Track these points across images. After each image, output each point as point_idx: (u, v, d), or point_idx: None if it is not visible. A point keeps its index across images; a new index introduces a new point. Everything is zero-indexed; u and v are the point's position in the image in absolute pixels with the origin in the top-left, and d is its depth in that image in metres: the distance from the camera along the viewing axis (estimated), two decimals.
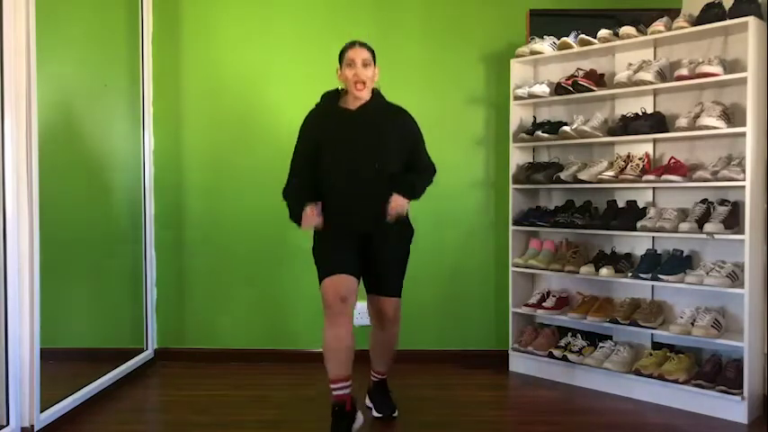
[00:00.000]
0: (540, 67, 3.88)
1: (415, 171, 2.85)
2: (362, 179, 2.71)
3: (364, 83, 2.70)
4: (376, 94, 2.82)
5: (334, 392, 2.67)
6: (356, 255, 2.77)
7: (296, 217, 2.71)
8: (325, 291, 2.69)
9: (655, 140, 3.41)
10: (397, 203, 2.71)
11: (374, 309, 2.90)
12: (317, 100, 2.90)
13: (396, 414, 3.00)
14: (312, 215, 2.66)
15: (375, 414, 3.00)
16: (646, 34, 3.34)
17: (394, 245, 2.85)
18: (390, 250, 2.84)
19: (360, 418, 2.73)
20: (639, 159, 3.38)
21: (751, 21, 2.97)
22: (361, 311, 3.88)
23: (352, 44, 2.75)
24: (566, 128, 3.55)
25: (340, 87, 2.83)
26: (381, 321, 2.90)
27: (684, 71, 3.16)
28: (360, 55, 2.71)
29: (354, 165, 2.71)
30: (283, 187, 2.84)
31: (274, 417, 3.03)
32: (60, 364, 3.12)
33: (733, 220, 3.06)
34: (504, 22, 3.95)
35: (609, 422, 2.98)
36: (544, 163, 3.79)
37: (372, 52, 2.77)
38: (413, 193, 2.81)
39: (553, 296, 3.70)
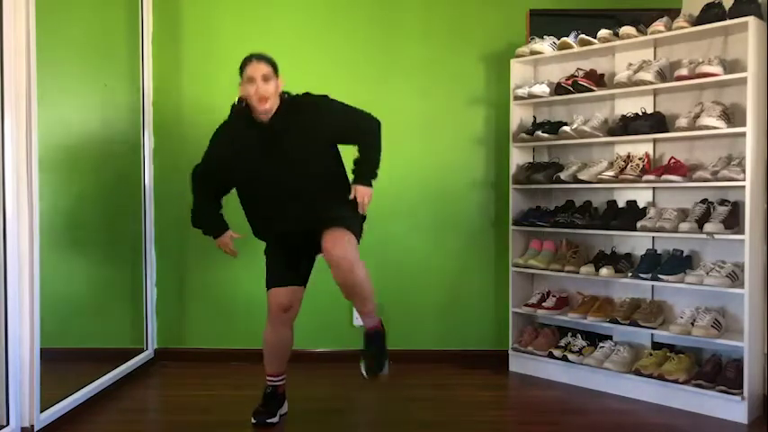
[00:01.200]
0: (540, 67, 3.88)
1: (360, 142, 2.80)
2: (292, 188, 2.73)
3: (267, 98, 2.67)
4: (284, 100, 2.76)
5: (270, 383, 2.96)
6: (298, 261, 2.89)
7: (210, 231, 3.00)
8: (269, 300, 2.88)
9: (655, 140, 3.41)
10: (363, 194, 2.73)
11: (326, 258, 2.62)
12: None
13: (385, 371, 2.73)
14: (228, 245, 2.97)
15: (364, 374, 2.72)
16: (646, 34, 3.34)
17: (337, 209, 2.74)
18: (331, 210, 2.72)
19: (286, 406, 3.01)
20: (639, 159, 3.38)
21: (751, 21, 2.97)
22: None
23: (249, 59, 2.72)
24: (566, 128, 3.55)
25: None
26: (333, 267, 2.59)
27: (684, 71, 3.16)
28: (259, 70, 2.68)
29: (280, 177, 2.72)
30: (191, 212, 2.98)
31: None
32: (60, 364, 3.12)
33: (733, 220, 3.06)
34: (504, 22, 3.95)
35: (609, 422, 2.98)
36: (544, 163, 3.79)
37: (273, 64, 2.74)
38: (371, 176, 2.79)
39: (553, 296, 3.70)
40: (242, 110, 2.78)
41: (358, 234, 2.75)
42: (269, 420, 2.89)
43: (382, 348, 2.76)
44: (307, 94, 2.81)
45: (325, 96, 2.81)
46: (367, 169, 2.81)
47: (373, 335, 2.75)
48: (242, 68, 2.74)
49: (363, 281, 2.65)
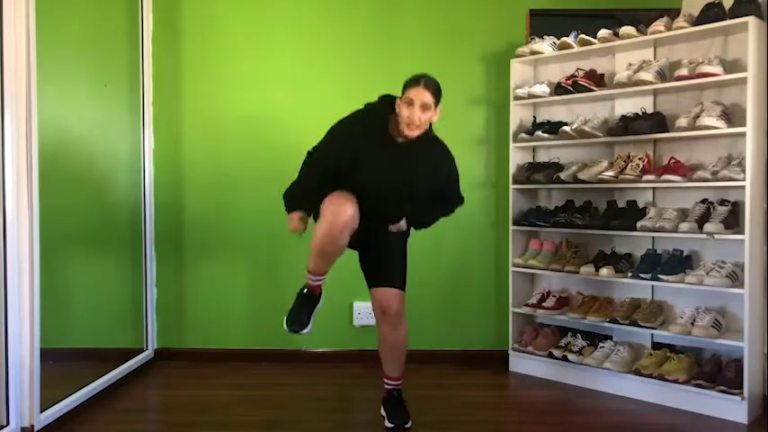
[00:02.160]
0: (540, 67, 3.88)
1: (441, 200, 2.87)
2: (383, 206, 2.73)
3: (418, 127, 2.59)
4: (427, 130, 2.71)
5: (311, 282, 2.77)
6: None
7: (288, 208, 2.75)
8: (330, 201, 2.60)
9: (655, 140, 3.41)
10: (399, 227, 2.82)
11: (377, 303, 2.82)
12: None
13: (409, 425, 2.85)
14: (298, 223, 2.71)
15: (387, 424, 2.86)
16: (646, 34, 3.34)
17: (392, 241, 2.85)
18: (389, 244, 2.83)
19: (321, 302, 2.84)
20: (639, 159, 3.38)
21: (751, 21, 2.97)
22: (361, 312, 3.91)
23: (417, 81, 2.59)
24: (566, 128, 3.55)
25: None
26: (385, 316, 2.80)
27: (684, 71, 3.16)
28: (421, 97, 2.56)
29: (380, 193, 2.69)
30: (288, 188, 2.78)
31: (274, 417, 3.03)
32: (60, 364, 3.12)
33: (733, 220, 3.06)
34: (504, 22, 3.95)
35: (609, 422, 2.98)
36: (544, 163, 3.79)
37: (437, 94, 2.62)
38: (420, 228, 2.91)
39: (553, 296, 3.70)
40: (386, 109, 2.67)
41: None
42: (303, 331, 2.75)
43: (404, 406, 2.92)
44: (440, 140, 2.81)
45: (449, 152, 2.83)
46: (424, 222, 2.90)
47: (397, 396, 2.92)
48: (407, 86, 2.62)
49: (405, 343, 2.89)
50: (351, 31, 3.96)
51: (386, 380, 2.93)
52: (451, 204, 2.93)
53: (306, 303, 2.79)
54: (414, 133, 2.60)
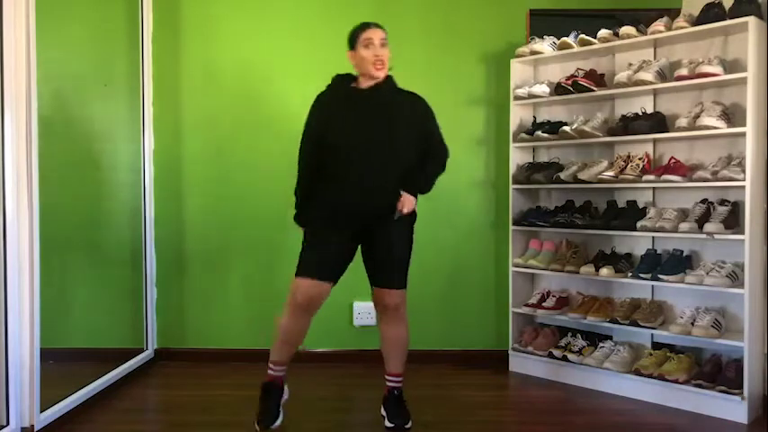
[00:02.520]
0: (540, 67, 3.88)
1: (428, 157, 2.82)
2: (373, 163, 2.67)
3: (384, 63, 2.68)
4: (389, 77, 2.77)
5: (272, 373, 2.83)
6: (345, 252, 2.77)
7: (302, 221, 2.81)
8: (296, 289, 2.72)
9: (655, 140, 3.41)
10: (407, 202, 2.74)
11: (379, 302, 2.82)
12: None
13: (409, 425, 2.83)
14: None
15: (387, 424, 2.84)
16: (646, 34, 3.34)
17: (397, 233, 2.78)
18: (394, 239, 2.78)
19: (287, 391, 2.90)
20: (639, 159, 3.38)
21: (751, 21, 2.97)
22: (361, 312, 3.91)
23: (367, 24, 2.73)
24: (566, 128, 3.55)
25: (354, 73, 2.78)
26: (386, 315, 2.83)
27: (684, 71, 3.16)
28: (378, 35, 2.69)
29: (366, 146, 2.67)
30: (297, 183, 2.83)
31: None
32: (60, 364, 3.12)
33: (733, 220, 3.06)
34: (504, 22, 3.95)
35: (609, 422, 2.98)
36: (544, 163, 3.79)
37: (386, 34, 2.75)
38: (423, 190, 2.83)
39: (553, 296, 3.70)
40: (342, 79, 2.78)
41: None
42: (275, 424, 2.78)
43: (404, 405, 2.90)
44: (410, 91, 2.84)
45: (423, 100, 2.84)
46: (423, 182, 2.82)
47: (398, 394, 2.89)
48: (357, 33, 2.72)
49: (407, 339, 2.88)
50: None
51: (387, 377, 2.91)
52: (440, 156, 2.86)
53: (270, 397, 2.82)
54: (382, 73, 2.69)
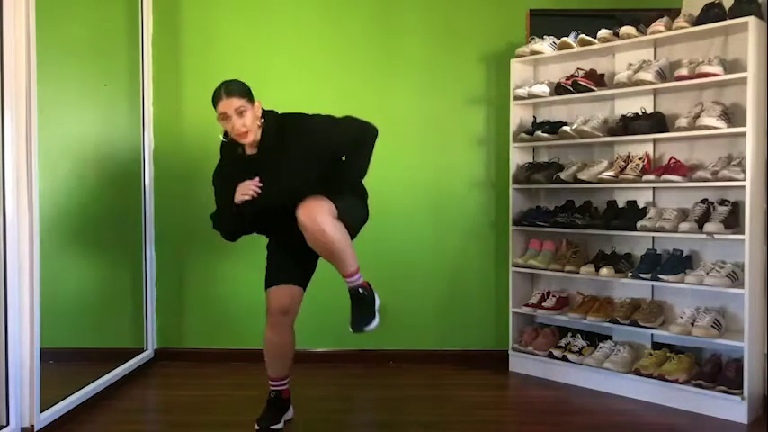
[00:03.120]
0: (540, 67, 3.88)
1: (353, 150, 2.67)
2: (290, 210, 2.55)
3: (246, 132, 2.57)
4: (268, 123, 2.64)
5: (274, 388, 2.86)
6: (301, 262, 2.81)
7: (226, 215, 2.73)
8: (268, 300, 2.79)
9: (655, 140, 3.41)
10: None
11: (299, 223, 2.55)
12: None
13: (372, 326, 2.69)
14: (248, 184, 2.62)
15: (350, 329, 2.71)
16: (646, 34, 3.34)
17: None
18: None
19: (291, 411, 2.93)
20: (639, 159, 3.38)
21: (751, 21, 2.97)
22: None
23: (219, 95, 2.58)
24: (566, 128, 3.55)
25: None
26: (304, 231, 2.53)
27: (684, 71, 3.16)
28: (230, 106, 2.55)
29: (277, 202, 2.62)
30: (212, 217, 2.81)
31: None
32: (60, 364, 3.12)
33: (733, 220, 3.06)
34: (504, 22, 3.95)
35: (609, 422, 2.98)
36: (544, 163, 3.79)
37: (244, 93, 2.59)
38: (361, 177, 2.72)
39: (553, 296, 3.70)
40: (229, 143, 2.69)
41: (346, 212, 2.61)
42: (273, 427, 2.80)
43: (369, 306, 2.71)
44: (286, 116, 2.70)
45: (303, 115, 2.69)
46: (352, 177, 2.71)
47: (355, 293, 2.68)
48: (214, 104, 2.61)
49: (338, 240, 2.54)
50: (351, 32, 3.97)
51: (346, 278, 2.68)
52: (360, 142, 2.66)
53: (275, 408, 2.85)
54: (248, 139, 2.60)
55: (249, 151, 2.68)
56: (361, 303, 2.70)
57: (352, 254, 2.63)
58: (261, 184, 2.63)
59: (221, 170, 2.80)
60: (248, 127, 2.58)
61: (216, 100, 2.60)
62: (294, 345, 2.86)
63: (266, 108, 2.72)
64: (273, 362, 2.85)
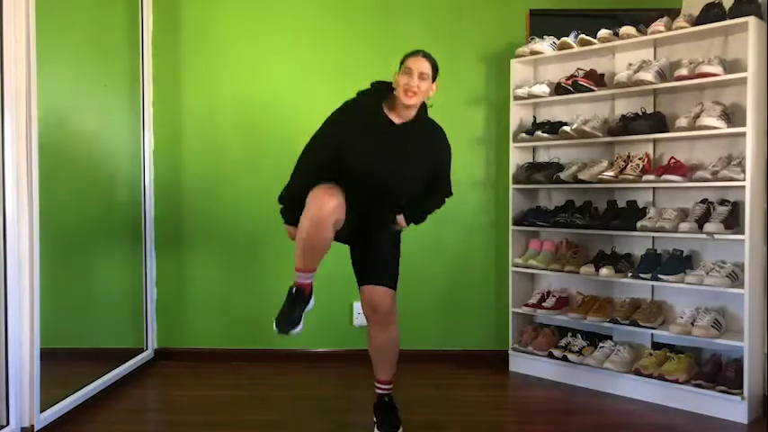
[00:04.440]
0: (540, 67, 3.88)
1: (432, 191, 2.84)
2: (379, 196, 2.66)
3: (415, 93, 2.59)
4: (422, 110, 2.70)
5: (300, 280, 2.64)
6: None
7: (293, 218, 2.62)
8: (312, 198, 2.54)
9: (655, 140, 3.41)
10: (401, 225, 2.79)
11: (368, 302, 2.76)
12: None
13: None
14: (295, 234, 2.63)
15: (376, 431, 2.81)
16: (646, 34, 3.34)
17: (386, 237, 2.82)
18: (383, 242, 2.80)
19: (312, 301, 2.71)
20: (639, 159, 3.38)
21: (751, 21, 2.97)
22: (361, 312, 3.88)
23: (416, 52, 2.65)
24: (566, 128, 3.55)
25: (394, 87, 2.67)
26: (376, 317, 2.76)
27: (684, 71, 3.16)
28: (418, 66, 2.60)
29: (378, 180, 2.63)
30: (284, 189, 2.74)
31: (274, 417, 3.03)
32: (60, 364, 3.12)
33: (733, 220, 3.06)
34: (504, 22, 3.95)
35: (609, 422, 2.99)
36: (544, 163, 3.79)
37: (435, 68, 2.66)
38: (416, 222, 2.85)
39: (553, 296, 3.70)
40: (381, 92, 2.68)
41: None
42: (293, 331, 2.60)
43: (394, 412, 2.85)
44: (438, 125, 2.81)
45: (445, 137, 2.82)
46: (420, 215, 2.85)
47: (391, 398, 2.86)
48: (405, 57, 2.65)
49: (397, 345, 2.85)
50: (351, 32, 3.97)
51: (376, 383, 2.87)
52: (442, 194, 2.90)
53: (296, 302, 2.64)
54: (411, 100, 2.60)
55: (395, 119, 2.66)
56: (392, 409, 2.85)
57: (396, 363, 2.86)
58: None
59: (343, 117, 2.69)
60: (420, 91, 2.60)
61: (411, 55, 2.65)
62: (330, 244, 2.62)
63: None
64: (307, 255, 2.60)
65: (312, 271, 2.66)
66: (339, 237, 2.66)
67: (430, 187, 2.81)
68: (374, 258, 2.78)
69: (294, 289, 2.65)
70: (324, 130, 2.72)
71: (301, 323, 2.64)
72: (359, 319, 3.92)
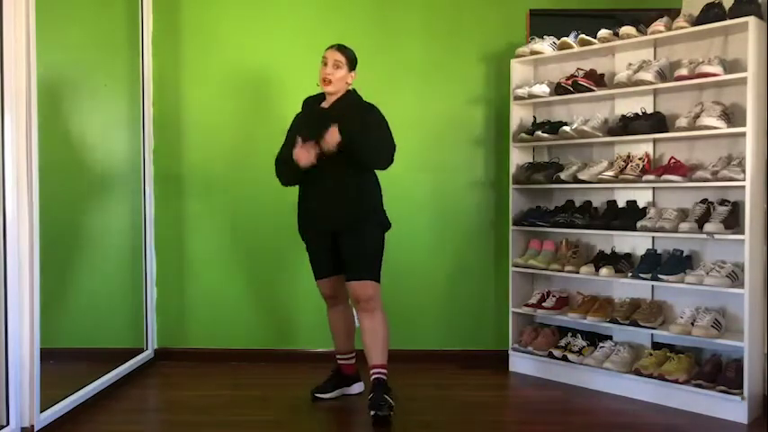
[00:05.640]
0: (540, 67, 3.88)
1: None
2: (326, 172, 2.94)
3: (330, 81, 2.98)
4: (350, 93, 3.08)
5: (339, 362, 3.28)
6: (331, 254, 3.07)
7: (290, 158, 2.94)
8: (319, 289, 3.21)
9: (655, 140, 3.41)
10: (330, 133, 2.87)
11: (352, 294, 3.05)
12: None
13: (391, 413, 2.88)
14: (304, 148, 2.89)
15: (370, 413, 2.89)
16: (646, 34, 3.34)
17: (361, 240, 3.00)
18: (358, 245, 2.99)
19: (358, 386, 3.29)
20: (639, 159, 3.38)
21: (751, 21, 2.97)
22: None
23: (332, 46, 3.05)
24: (566, 128, 3.55)
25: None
26: (359, 307, 3.04)
27: (684, 71, 3.16)
28: (332, 56, 3.01)
29: (318, 164, 2.90)
30: (275, 163, 3.11)
31: (274, 417, 3.03)
32: (60, 364, 3.12)
33: (733, 220, 3.06)
34: (504, 22, 3.95)
35: (609, 422, 2.98)
36: (544, 163, 3.79)
37: (349, 57, 3.04)
38: (352, 137, 2.89)
39: (553, 296, 3.70)
40: (312, 99, 3.14)
41: (379, 272, 3.05)
42: (317, 395, 3.21)
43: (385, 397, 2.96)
44: (372, 105, 3.09)
45: (375, 106, 3.07)
46: (361, 136, 2.91)
47: (383, 381, 3.00)
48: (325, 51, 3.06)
49: (384, 331, 3.03)
50: (351, 32, 3.96)
51: (371, 370, 3.01)
52: (380, 142, 2.98)
53: (333, 379, 3.27)
54: (329, 87, 3.01)
55: (325, 105, 3.07)
56: (379, 392, 2.95)
57: (387, 347, 3.06)
58: (315, 152, 2.90)
59: (296, 117, 3.19)
60: (334, 78, 3.00)
61: (327, 48, 3.06)
62: (352, 321, 3.26)
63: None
64: (336, 339, 3.27)
65: (346, 353, 3.27)
66: (328, 270, 3.13)
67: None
68: (351, 255, 3.01)
69: (336, 368, 3.29)
70: (286, 136, 3.16)
71: (331, 393, 3.24)
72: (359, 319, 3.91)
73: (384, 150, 2.99)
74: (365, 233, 3.00)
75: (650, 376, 3.19)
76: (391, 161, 3.02)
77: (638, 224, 3.27)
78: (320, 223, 3.05)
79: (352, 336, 3.28)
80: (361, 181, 3.01)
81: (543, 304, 3.69)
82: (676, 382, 3.11)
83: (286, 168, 3.03)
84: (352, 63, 3.05)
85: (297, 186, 3.10)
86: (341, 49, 3.04)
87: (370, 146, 2.94)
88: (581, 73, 3.57)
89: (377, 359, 3.00)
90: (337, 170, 2.94)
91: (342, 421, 3.06)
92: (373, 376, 2.99)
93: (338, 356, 3.28)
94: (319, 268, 3.14)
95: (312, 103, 3.15)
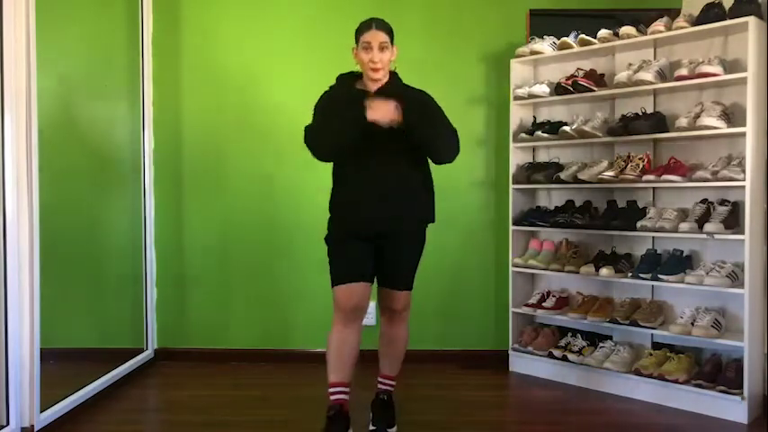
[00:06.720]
0: (540, 67, 3.88)
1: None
2: (379, 167, 2.59)
3: (380, 68, 2.59)
4: (393, 75, 2.70)
5: (333, 396, 2.60)
6: (370, 254, 2.65)
7: (352, 120, 2.52)
8: (338, 298, 2.60)
9: (655, 140, 3.41)
10: (386, 103, 2.55)
11: (385, 302, 2.76)
12: (317, 99, 2.82)
13: (393, 430, 2.78)
14: (383, 103, 2.52)
15: (370, 427, 2.77)
16: (646, 34, 3.34)
17: (409, 245, 2.72)
18: (412, 251, 2.74)
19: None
20: (639, 159, 3.38)
21: (751, 21, 2.97)
22: (368, 312, 3.90)
23: (369, 25, 2.62)
24: (566, 128, 3.55)
25: (356, 70, 2.73)
26: (391, 315, 2.77)
27: (684, 71, 3.16)
28: (376, 38, 2.58)
29: (370, 151, 2.57)
30: (306, 131, 2.62)
31: (274, 417, 3.04)
32: (60, 364, 3.12)
33: (733, 220, 3.06)
34: (504, 22, 3.95)
35: (609, 422, 2.98)
36: (544, 163, 3.79)
37: (390, 33, 2.63)
38: (412, 109, 2.56)
39: (553, 296, 3.70)
40: (348, 78, 2.73)
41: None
42: None
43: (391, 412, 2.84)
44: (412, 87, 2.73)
45: (426, 92, 2.73)
46: (424, 111, 2.61)
47: (391, 396, 2.86)
48: (359, 33, 2.64)
49: (406, 343, 2.85)
50: (351, 31, 3.94)
51: (379, 378, 2.87)
52: (451, 130, 2.72)
53: (334, 425, 2.56)
54: (379, 75, 2.60)
55: (370, 88, 2.64)
56: (388, 408, 2.83)
57: (400, 363, 2.87)
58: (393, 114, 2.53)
59: (325, 96, 2.72)
60: (384, 63, 2.60)
61: (363, 29, 2.63)
62: (358, 347, 2.67)
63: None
64: (337, 362, 2.61)
65: (345, 386, 2.61)
66: (366, 274, 2.64)
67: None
68: (404, 262, 2.73)
69: (331, 409, 2.58)
70: (316, 111, 2.70)
71: None
72: (365, 319, 3.91)
73: (454, 139, 2.68)
74: (421, 238, 2.74)
75: (650, 376, 3.19)
76: (458, 152, 2.72)
77: (638, 224, 3.27)
78: (373, 223, 2.60)
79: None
80: (424, 176, 2.71)
81: (543, 304, 3.69)
82: (676, 382, 3.11)
83: (327, 132, 2.57)
84: (392, 37, 2.65)
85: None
86: (383, 26, 2.61)
87: (442, 134, 2.64)
88: (581, 73, 3.57)
89: (394, 370, 2.84)
90: (396, 161, 2.59)
91: None
92: (384, 386, 2.84)
93: (342, 389, 2.60)
94: (355, 271, 2.59)
95: (350, 82, 2.71)
